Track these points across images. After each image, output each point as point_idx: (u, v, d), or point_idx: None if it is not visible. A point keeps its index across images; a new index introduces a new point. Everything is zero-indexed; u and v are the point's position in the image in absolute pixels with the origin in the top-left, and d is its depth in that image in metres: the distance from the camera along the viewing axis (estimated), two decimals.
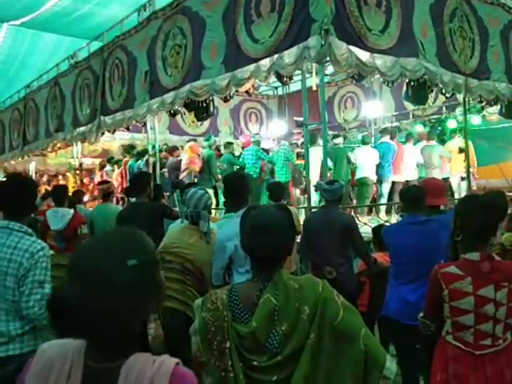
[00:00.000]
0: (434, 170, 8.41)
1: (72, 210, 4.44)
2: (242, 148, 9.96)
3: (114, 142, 10.59)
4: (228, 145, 9.17)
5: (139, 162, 8.90)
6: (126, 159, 9.65)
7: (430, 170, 8.46)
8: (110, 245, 1.03)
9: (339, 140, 8.73)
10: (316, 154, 7.97)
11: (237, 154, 9.65)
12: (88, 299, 0.95)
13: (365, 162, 8.31)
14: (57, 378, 0.99)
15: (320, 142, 8.21)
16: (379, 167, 8.41)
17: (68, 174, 12.60)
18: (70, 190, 9.68)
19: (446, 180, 8.16)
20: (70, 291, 0.97)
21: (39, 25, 11.17)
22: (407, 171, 8.50)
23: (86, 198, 9.24)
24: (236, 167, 8.54)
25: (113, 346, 1.00)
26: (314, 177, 7.75)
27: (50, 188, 10.32)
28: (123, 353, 0.99)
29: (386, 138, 8.75)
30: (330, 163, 8.10)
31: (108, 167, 10.36)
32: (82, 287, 0.96)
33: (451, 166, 8.76)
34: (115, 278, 0.97)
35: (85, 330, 0.99)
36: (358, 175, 8.38)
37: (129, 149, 9.71)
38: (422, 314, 2.19)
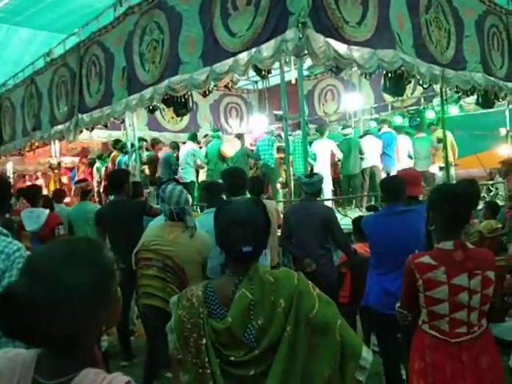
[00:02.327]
0: (424, 161, 8.60)
1: (47, 210, 4.35)
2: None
3: (93, 139, 10.42)
4: (241, 136, 9.11)
5: (127, 156, 8.69)
6: (114, 154, 9.39)
7: (420, 160, 8.64)
8: (69, 251, 1.02)
9: (349, 130, 8.78)
10: (325, 146, 8.06)
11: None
12: (38, 300, 0.93)
13: (371, 151, 8.45)
14: None
15: (327, 133, 8.37)
16: (385, 157, 8.56)
17: (50, 173, 12.36)
18: (51, 190, 9.55)
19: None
20: (21, 290, 0.94)
21: (14, 17, 10.92)
22: (404, 161, 8.66)
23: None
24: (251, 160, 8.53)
25: (63, 358, 0.98)
26: (324, 169, 7.89)
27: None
28: (73, 367, 0.98)
29: (386, 128, 8.93)
30: (340, 154, 8.18)
31: (98, 164, 10.12)
32: (34, 288, 0.94)
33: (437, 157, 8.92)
34: (68, 283, 0.95)
35: (33, 335, 0.96)
36: (367, 164, 8.49)
37: (114, 143, 9.43)
38: (398, 304, 2.21)
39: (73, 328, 0.96)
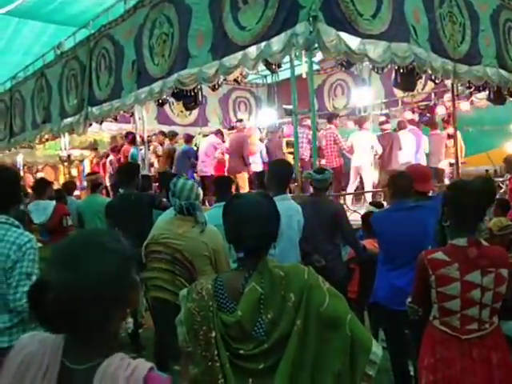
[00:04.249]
0: (436, 157, 8.59)
1: (53, 202, 4.37)
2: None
3: (103, 132, 10.44)
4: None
5: (142, 150, 8.59)
6: (125, 147, 9.28)
7: (433, 157, 8.63)
8: (92, 240, 1.07)
9: (388, 126, 8.67)
10: (364, 138, 7.97)
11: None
12: (69, 288, 0.96)
13: (406, 146, 8.40)
14: (33, 377, 1.00)
15: (367, 125, 8.29)
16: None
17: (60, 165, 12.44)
18: (60, 182, 9.58)
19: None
20: (51, 279, 0.98)
21: (24, 13, 10.98)
22: (423, 158, 8.61)
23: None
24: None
25: (90, 343, 1.01)
26: (364, 162, 7.85)
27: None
28: (100, 352, 1.00)
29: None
30: (380, 149, 8.12)
31: (111, 157, 10.12)
32: (65, 275, 0.97)
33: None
34: (95, 270, 0.99)
35: (63, 322, 0.99)
36: (402, 160, 8.37)
37: (126, 136, 9.39)
38: (409, 299, 2.20)
39: (100, 313, 0.99)
